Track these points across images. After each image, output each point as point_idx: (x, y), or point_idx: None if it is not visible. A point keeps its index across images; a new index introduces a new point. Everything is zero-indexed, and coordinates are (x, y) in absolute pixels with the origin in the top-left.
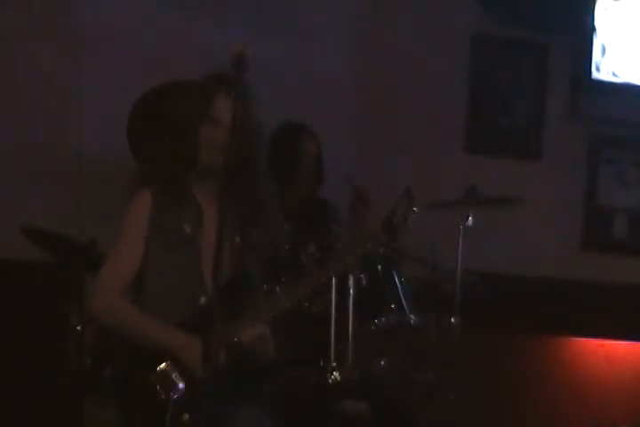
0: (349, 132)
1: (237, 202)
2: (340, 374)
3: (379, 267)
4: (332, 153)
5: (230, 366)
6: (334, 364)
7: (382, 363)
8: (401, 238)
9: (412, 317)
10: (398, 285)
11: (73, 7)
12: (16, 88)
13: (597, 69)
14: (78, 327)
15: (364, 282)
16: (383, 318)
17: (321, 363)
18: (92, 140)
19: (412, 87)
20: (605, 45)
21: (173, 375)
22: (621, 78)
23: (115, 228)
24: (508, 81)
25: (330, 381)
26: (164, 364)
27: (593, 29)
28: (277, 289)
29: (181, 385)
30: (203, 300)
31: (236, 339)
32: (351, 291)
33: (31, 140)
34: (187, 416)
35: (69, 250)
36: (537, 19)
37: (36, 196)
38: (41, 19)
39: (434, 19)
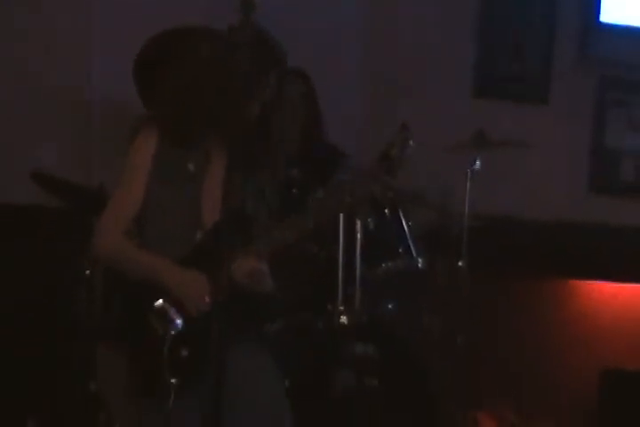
0: (361, 78)
1: (247, 145)
2: (347, 318)
3: (386, 211)
4: (342, 100)
5: (227, 302)
6: (342, 308)
7: (390, 307)
8: (398, 173)
9: (420, 260)
10: (406, 228)
11: None
12: (26, 34)
13: (606, 12)
14: (87, 272)
15: (371, 226)
16: (390, 262)
17: (329, 307)
18: (101, 84)
19: (423, 31)
20: None
21: (171, 311)
22: (630, 21)
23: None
24: (517, 24)
25: (338, 324)
26: (161, 300)
27: None
28: (275, 225)
29: (179, 321)
30: (198, 235)
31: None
32: (358, 235)
33: (41, 86)
34: (185, 352)
35: (78, 195)
36: None
37: (46, 141)
38: None
39: None
